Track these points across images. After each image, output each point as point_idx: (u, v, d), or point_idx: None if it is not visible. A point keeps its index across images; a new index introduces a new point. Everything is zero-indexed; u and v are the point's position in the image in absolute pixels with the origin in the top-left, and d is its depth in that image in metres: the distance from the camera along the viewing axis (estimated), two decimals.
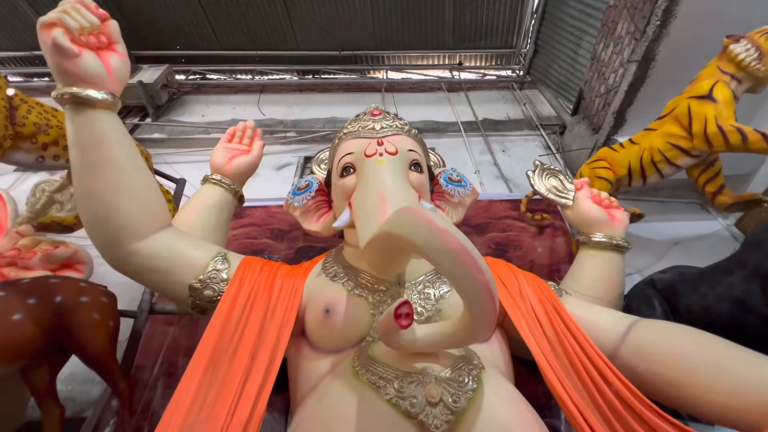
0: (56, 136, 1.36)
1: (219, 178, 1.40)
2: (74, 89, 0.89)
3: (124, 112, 3.09)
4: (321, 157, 1.64)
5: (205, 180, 1.42)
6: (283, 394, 1.04)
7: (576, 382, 0.88)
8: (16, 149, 1.26)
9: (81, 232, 1.56)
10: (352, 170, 1.15)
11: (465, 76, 3.76)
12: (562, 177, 1.55)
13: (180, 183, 1.86)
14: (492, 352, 0.95)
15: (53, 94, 0.93)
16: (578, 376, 0.88)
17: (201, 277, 1.02)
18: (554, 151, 2.61)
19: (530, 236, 2.11)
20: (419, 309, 0.93)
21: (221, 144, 1.50)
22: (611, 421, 0.81)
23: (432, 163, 1.57)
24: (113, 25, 0.98)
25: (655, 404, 0.80)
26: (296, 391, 0.95)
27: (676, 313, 1.20)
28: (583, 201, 1.41)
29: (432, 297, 0.96)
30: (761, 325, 0.95)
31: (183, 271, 1.02)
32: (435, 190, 1.36)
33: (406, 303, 0.65)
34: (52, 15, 0.86)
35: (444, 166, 1.62)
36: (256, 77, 3.69)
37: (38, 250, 1.35)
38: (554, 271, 1.94)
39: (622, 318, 1.01)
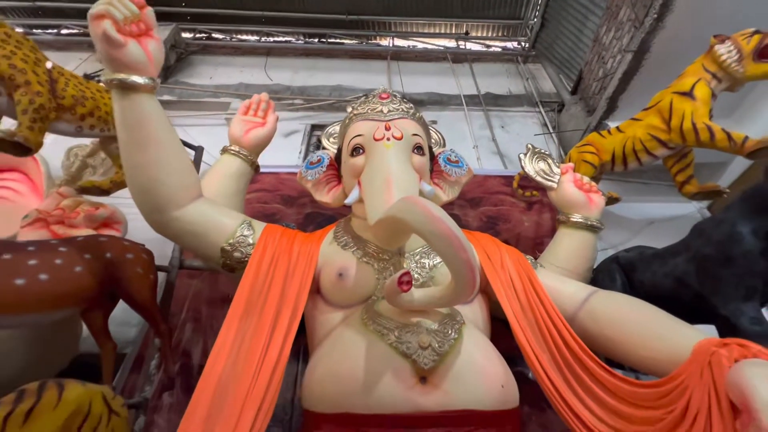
0: (91, 108, 1.48)
1: (237, 150, 1.55)
2: (121, 76, 1.04)
3: None
4: (330, 131, 1.78)
5: (224, 150, 1.58)
6: (295, 342, 1.25)
7: (539, 339, 1.10)
8: (58, 120, 1.39)
9: (117, 194, 1.73)
10: (361, 151, 1.31)
11: (471, 46, 3.76)
12: (550, 161, 1.71)
13: (198, 150, 1.99)
14: (473, 312, 1.16)
15: (103, 78, 1.07)
16: (542, 334, 1.10)
17: (231, 241, 1.20)
18: (550, 131, 2.73)
19: (519, 211, 2.31)
20: (416, 275, 1.13)
21: (238, 116, 1.64)
22: (563, 370, 1.05)
23: (433, 141, 1.71)
24: (149, 12, 1.10)
25: (603, 359, 1.03)
26: (313, 338, 1.17)
27: (632, 286, 1.42)
28: (566, 185, 1.58)
29: (426, 266, 1.15)
30: (693, 299, 1.17)
31: (216, 236, 1.21)
32: (434, 169, 1.52)
33: (407, 273, 0.85)
34: (100, 7, 0.98)
35: (444, 144, 1.76)
36: (263, 39, 3.67)
37: (81, 210, 1.52)
38: (538, 243, 2.16)
39: (583, 288, 1.23)
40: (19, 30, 1.40)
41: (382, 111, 1.41)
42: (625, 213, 2.32)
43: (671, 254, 1.29)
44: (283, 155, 2.69)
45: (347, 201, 1.29)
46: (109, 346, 1.37)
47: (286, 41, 3.64)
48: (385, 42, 3.77)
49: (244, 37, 3.75)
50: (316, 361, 1.02)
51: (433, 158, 1.54)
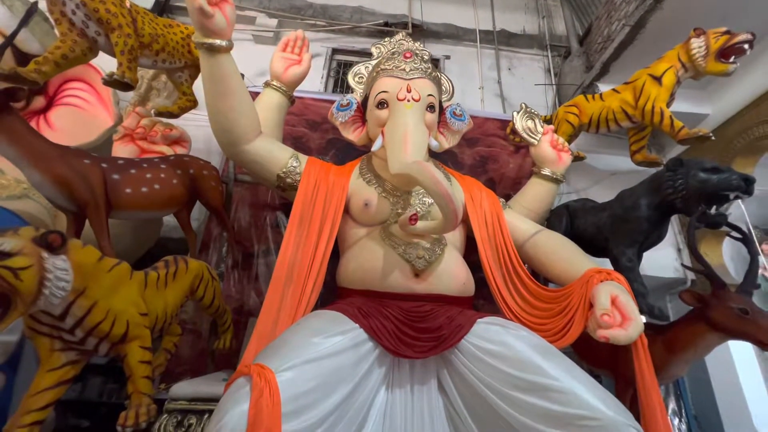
0: (163, 44, 1.75)
1: (278, 85, 1.89)
2: (209, 40, 1.38)
3: None
4: (356, 71, 2.10)
5: (267, 85, 1.91)
6: None
7: (496, 257, 1.65)
8: (141, 56, 1.68)
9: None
10: (385, 105, 1.69)
11: None
12: (537, 121, 2.08)
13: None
14: (455, 236, 1.68)
15: (194, 40, 1.41)
16: (498, 254, 1.65)
17: (284, 170, 1.65)
18: (552, 80, 2.98)
19: (507, 153, 2.73)
20: (418, 209, 1.61)
21: (278, 53, 1.94)
22: (505, 277, 1.62)
23: (444, 88, 2.05)
24: None
25: (536, 275, 1.60)
26: (344, 244, 1.69)
27: (572, 227, 1.94)
28: (544, 144, 1.99)
29: (427, 203, 1.62)
30: (603, 241, 1.72)
31: (273, 165, 1.65)
32: (441, 119, 1.91)
33: (415, 214, 1.34)
34: None
35: (453, 93, 2.10)
36: None
37: (157, 129, 1.92)
38: (517, 183, 2.64)
39: (533, 227, 1.75)
40: None
41: (404, 69, 1.76)
42: (594, 163, 2.75)
43: (601, 209, 1.79)
44: (307, 79, 2.93)
45: (373, 148, 1.71)
46: (192, 234, 1.91)
47: None
48: None
49: None
50: (348, 258, 1.57)
51: (442, 110, 1.92)
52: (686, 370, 1.32)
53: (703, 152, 2.36)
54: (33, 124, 2.18)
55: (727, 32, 1.75)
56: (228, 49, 1.44)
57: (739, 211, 3.12)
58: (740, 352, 2.51)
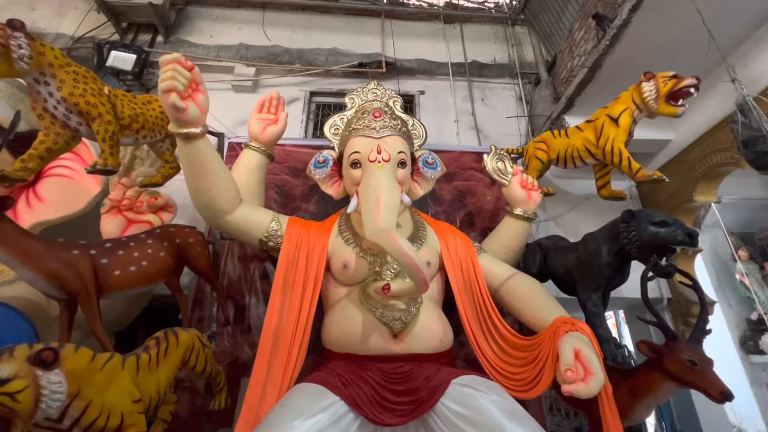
0: (143, 122, 1.83)
1: (257, 146, 1.98)
2: (184, 130, 1.47)
3: (135, 30, 3.17)
4: (332, 122, 2.19)
5: (246, 146, 2.00)
6: None
7: (472, 303, 1.75)
8: (122, 137, 1.77)
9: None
10: (358, 165, 1.78)
11: (463, 2, 3.77)
12: (507, 162, 2.18)
13: (220, 137, 2.37)
14: (432, 288, 1.76)
15: (170, 130, 1.49)
16: (473, 300, 1.74)
17: (265, 234, 1.74)
18: (524, 109, 3.09)
19: (484, 186, 2.83)
20: (394, 266, 1.70)
21: (255, 114, 2.04)
22: (481, 323, 1.71)
23: (416, 134, 2.15)
24: (197, 71, 1.49)
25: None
26: (327, 302, 1.78)
27: (545, 265, 2.04)
28: (514, 184, 2.09)
29: None
30: (572, 282, 1.81)
31: (255, 231, 1.74)
32: (415, 168, 2.01)
33: (387, 284, 1.43)
34: (167, 83, 1.37)
35: (426, 137, 2.19)
36: None
37: (143, 199, 2.00)
38: (495, 215, 2.73)
39: (507, 270, 1.84)
40: None
41: (375, 128, 1.85)
42: (568, 188, 2.86)
43: (569, 251, 1.89)
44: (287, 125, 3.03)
45: (348, 210, 1.79)
46: (183, 298, 1.99)
47: None
48: None
49: None
50: (330, 322, 1.66)
51: (414, 160, 2.02)
52: (650, 412, 1.41)
53: (669, 178, 2.47)
54: (22, 197, 2.27)
55: (674, 76, 1.86)
56: (203, 134, 1.53)
57: (714, 218, 3.24)
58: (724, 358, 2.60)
